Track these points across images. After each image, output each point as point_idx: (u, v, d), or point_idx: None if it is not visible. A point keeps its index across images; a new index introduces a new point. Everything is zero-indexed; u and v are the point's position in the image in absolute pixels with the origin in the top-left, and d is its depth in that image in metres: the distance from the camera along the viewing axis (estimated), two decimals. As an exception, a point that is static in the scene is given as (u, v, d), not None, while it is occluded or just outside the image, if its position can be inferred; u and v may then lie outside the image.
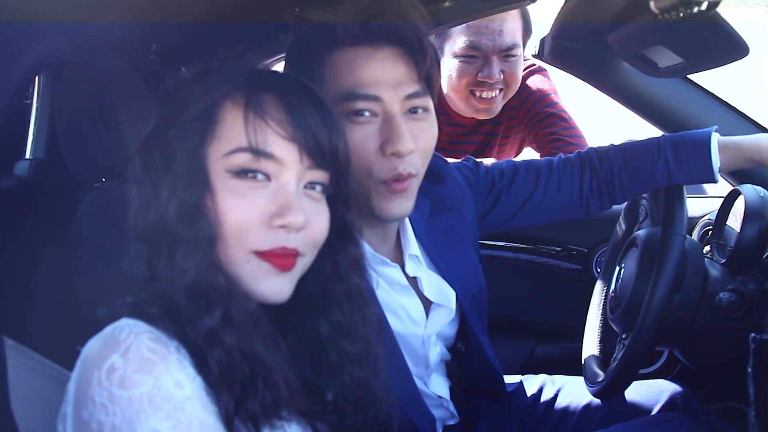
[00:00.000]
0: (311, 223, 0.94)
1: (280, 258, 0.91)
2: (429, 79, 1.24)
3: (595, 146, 1.59)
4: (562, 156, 1.57)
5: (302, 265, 0.95)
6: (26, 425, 0.96)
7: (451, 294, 1.39)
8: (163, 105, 0.97)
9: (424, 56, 1.21)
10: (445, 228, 1.43)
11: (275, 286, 0.92)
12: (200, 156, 0.91)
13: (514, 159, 1.55)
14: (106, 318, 0.86)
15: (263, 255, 0.91)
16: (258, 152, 0.90)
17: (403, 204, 1.24)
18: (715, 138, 1.48)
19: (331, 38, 1.21)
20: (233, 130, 0.91)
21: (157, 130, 0.94)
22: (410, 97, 1.21)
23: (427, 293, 1.37)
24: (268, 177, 0.91)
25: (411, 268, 1.36)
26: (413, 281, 1.37)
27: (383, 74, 1.20)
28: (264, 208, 0.91)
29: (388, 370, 1.10)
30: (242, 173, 0.90)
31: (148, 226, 0.91)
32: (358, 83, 1.19)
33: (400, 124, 1.19)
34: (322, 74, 1.21)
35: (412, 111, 1.23)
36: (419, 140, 1.22)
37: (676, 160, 1.49)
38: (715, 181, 1.50)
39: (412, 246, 1.37)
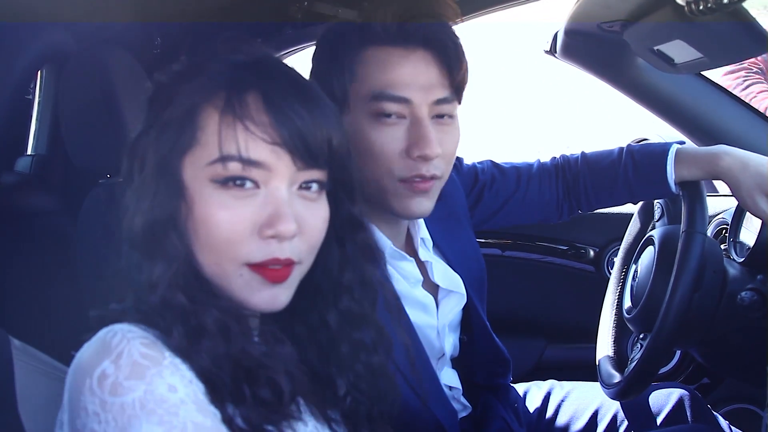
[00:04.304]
0: (305, 227, 0.89)
1: (273, 271, 0.87)
2: (459, 86, 1.23)
3: (567, 153, 1.59)
4: (539, 161, 1.58)
5: (299, 272, 0.91)
6: (33, 426, 0.94)
7: (459, 279, 1.40)
8: (148, 107, 0.92)
9: (459, 63, 1.21)
10: (444, 213, 1.43)
11: (267, 297, 0.89)
12: (175, 165, 0.87)
13: (492, 159, 1.57)
14: (96, 321, 0.83)
15: (256, 267, 0.87)
16: (244, 160, 0.85)
17: (423, 203, 1.24)
18: (674, 150, 1.46)
19: (366, 35, 1.20)
20: (216, 137, 0.86)
21: (141, 134, 0.90)
22: (439, 102, 1.20)
23: (437, 279, 1.37)
24: (256, 184, 0.86)
25: (422, 253, 1.37)
26: (422, 267, 1.37)
27: (415, 77, 1.19)
28: (253, 218, 0.86)
29: (409, 363, 1.10)
30: (228, 182, 0.85)
31: (135, 232, 0.87)
32: (388, 84, 1.18)
33: (427, 128, 1.18)
34: (353, 70, 1.20)
35: (439, 116, 1.22)
36: (445, 145, 1.21)
37: (635, 171, 1.49)
38: (673, 194, 1.47)
39: (422, 230, 1.38)
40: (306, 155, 0.88)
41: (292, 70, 0.93)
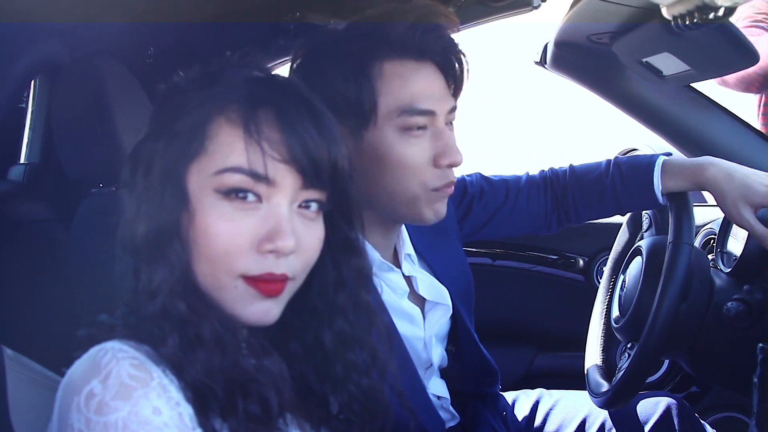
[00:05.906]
0: (302, 245, 0.90)
1: (267, 284, 0.88)
2: (458, 93, 1.29)
3: (555, 166, 1.60)
4: (528, 173, 1.60)
5: (291, 289, 0.92)
6: (25, 436, 0.93)
7: (445, 291, 1.41)
8: (157, 112, 0.93)
9: (462, 71, 1.27)
10: (431, 226, 1.42)
11: (260, 311, 0.89)
12: (181, 172, 0.87)
13: (480, 172, 1.58)
14: (86, 338, 0.84)
15: (251, 280, 0.87)
16: (250, 173, 0.85)
17: (444, 206, 1.29)
18: (660, 162, 1.47)
19: (381, 48, 1.21)
20: (226, 148, 0.86)
21: (146, 139, 0.90)
22: (451, 111, 1.25)
23: (422, 292, 1.39)
24: (259, 198, 0.87)
25: (407, 268, 1.38)
26: (408, 281, 1.38)
27: (432, 88, 1.23)
28: (253, 231, 0.86)
29: (397, 374, 1.10)
30: (231, 193, 0.86)
31: (137, 237, 0.87)
32: (414, 97, 1.21)
33: (451, 137, 1.24)
34: (376, 84, 1.21)
35: (449, 124, 1.26)
36: None
37: (623, 183, 1.50)
38: (660, 206, 1.48)
39: (407, 245, 1.40)
40: (312, 174, 0.89)
41: (304, 89, 0.94)
